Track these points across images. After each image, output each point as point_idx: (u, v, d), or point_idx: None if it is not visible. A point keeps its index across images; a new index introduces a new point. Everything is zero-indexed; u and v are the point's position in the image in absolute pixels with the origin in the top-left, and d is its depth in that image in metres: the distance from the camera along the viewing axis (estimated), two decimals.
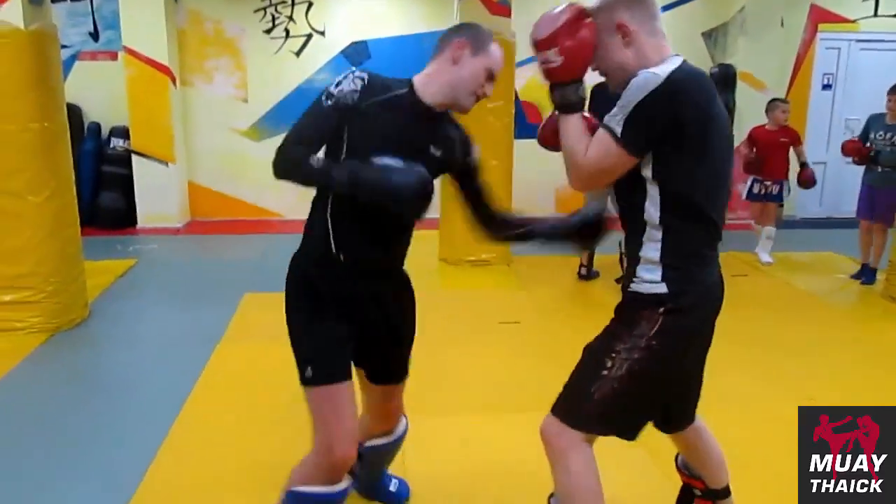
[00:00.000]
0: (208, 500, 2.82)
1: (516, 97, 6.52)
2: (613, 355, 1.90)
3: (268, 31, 7.81)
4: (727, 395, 3.65)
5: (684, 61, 1.84)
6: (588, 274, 5.80)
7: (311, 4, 7.78)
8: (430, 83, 2.10)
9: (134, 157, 7.54)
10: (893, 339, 4.69)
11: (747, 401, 3.67)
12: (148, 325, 4.84)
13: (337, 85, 2.04)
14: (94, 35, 7.70)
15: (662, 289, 1.88)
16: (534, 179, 7.43)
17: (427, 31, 7.79)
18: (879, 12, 8.21)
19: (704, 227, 1.89)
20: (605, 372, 1.91)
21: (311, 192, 2.24)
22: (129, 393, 3.83)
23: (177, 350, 4.34)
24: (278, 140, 2.09)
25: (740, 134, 8.11)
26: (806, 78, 8.34)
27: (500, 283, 5.80)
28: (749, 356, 4.21)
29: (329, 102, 2.05)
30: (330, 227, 2.15)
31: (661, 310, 1.88)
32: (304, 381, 2.14)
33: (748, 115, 7.96)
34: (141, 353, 4.35)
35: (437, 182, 2.08)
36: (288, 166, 2.06)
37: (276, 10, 7.77)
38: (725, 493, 2.32)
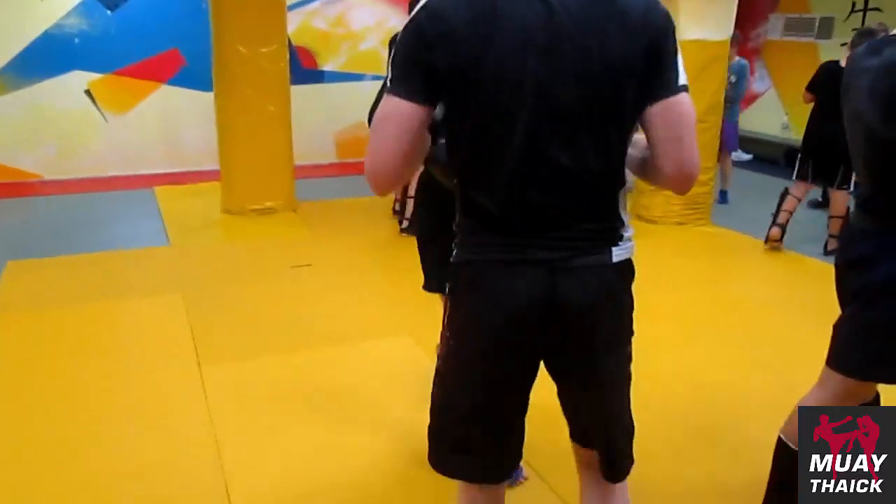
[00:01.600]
0: None
1: (289, 42, 6.43)
2: (439, 345, 1.64)
3: None
4: None
5: None
6: (402, 209, 5.66)
7: None
8: None
9: None
10: (640, 251, 5.41)
11: None
12: None
13: None
14: None
15: (454, 257, 1.56)
16: (312, 125, 7.43)
17: None
18: None
19: (480, 193, 1.48)
20: (436, 367, 1.67)
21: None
22: None
23: None
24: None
25: None
26: None
27: (288, 230, 5.82)
28: None
29: None
30: None
31: (449, 285, 1.58)
32: None
33: None
34: None
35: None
36: None
37: None
38: None
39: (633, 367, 1.65)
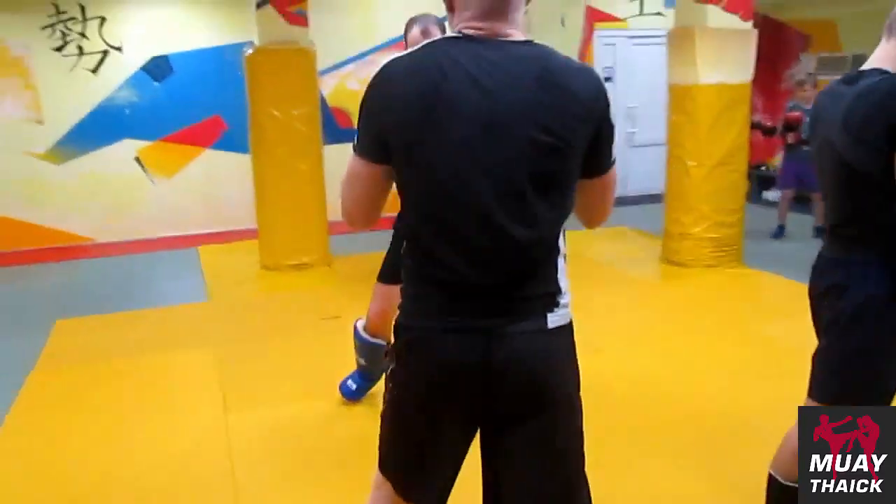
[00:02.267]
0: None
1: (324, 104, 6.72)
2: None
3: (58, 49, 7.46)
4: None
5: (424, 46, 1.51)
6: None
7: (104, 20, 7.53)
8: None
9: None
10: (669, 294, 5.41)
11: None
12: None
13: None
14: None
15: (398, 318, 1.61)
16: None
17: (228, 42, 7.77)
18: (644, 11, 9.20)
19: (424, 259, 1.55)
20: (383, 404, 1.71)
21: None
22: None
23: None
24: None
25: None
26: None
27: (321, 283, 5.99)
28: None
29: None
30: None
31: (391, 346, 1.64)
32: None
33: None
34: None
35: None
36: None
37: (65, 26, 7.45)
38: None
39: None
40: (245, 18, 7.24)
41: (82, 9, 7.47)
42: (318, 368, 4.14)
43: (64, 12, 7.43)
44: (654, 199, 7.04)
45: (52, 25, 7.42)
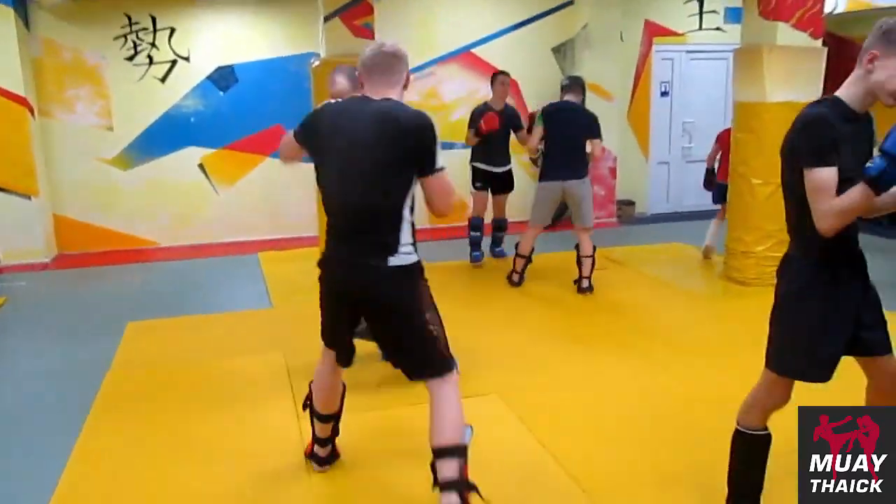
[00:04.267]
0: None
1: None
2: None
3: (130, 59, 7.71)
4: (593, 371, 4.11)
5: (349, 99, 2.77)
6: (514, 280, 6.06)
7: (173, 30, 7.76)
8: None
9: None
10: (732, 312, 5.36)
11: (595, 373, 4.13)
12: (31, 362, 4.75)
13: None
14: None
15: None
16: None
17: (293, 53, 7.96)
18: (703, 26, 9.15)
19: (327, 213, 2.69)
20: None
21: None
22: (22, 429, 3.79)
23: (66, 383, 4.32)
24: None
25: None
26: (646, 86, 9.14)
27: None
28: (601, 331, 4.72)
29: None
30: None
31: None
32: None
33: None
34: (29, 389, 4.29)
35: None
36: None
37: (137, 36, 7.69)
38: (437, 453, 2.62)
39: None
40: (309, 30, 7.42)
41: (153, 20, 7.71)
42: (380, 376, 4.18)
43: (136, 23, 7.68)
44: (710, 214, 7.01)
45: (124, 36, 7.67)
